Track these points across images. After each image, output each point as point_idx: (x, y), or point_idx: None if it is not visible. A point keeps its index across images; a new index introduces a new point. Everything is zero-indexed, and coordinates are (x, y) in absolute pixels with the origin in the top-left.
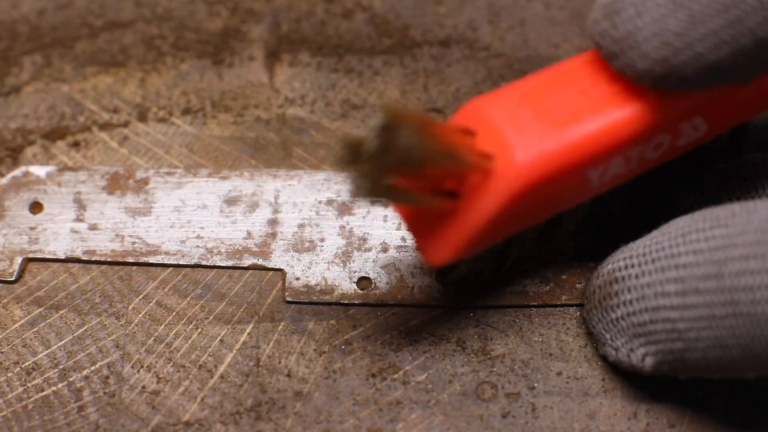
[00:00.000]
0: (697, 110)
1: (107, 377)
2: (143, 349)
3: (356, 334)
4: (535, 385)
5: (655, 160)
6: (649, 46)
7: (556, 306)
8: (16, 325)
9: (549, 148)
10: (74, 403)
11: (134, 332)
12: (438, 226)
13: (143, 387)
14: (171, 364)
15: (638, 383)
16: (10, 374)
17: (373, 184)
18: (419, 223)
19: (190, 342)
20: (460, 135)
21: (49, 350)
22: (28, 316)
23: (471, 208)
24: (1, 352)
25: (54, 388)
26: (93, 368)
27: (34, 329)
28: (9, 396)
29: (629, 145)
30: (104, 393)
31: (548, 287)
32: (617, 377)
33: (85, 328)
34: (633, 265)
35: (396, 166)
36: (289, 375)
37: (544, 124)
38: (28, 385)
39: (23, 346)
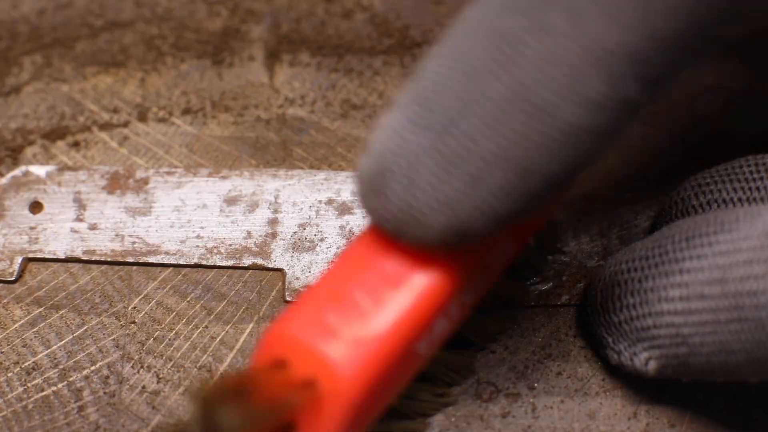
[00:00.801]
0: (494, 247)
1: (107, 377)
2: (143, 349)
3: None
4: (536, 385)
5: (475, 297)
6: (433, 218)
7: (556, 306)
8: (16, 325)
9: (367, 346)
10: (74, 403)
11: (134, 332)
12: None
13: (143, 387)
14: (171, 364)
15: (638, 384)
16: (10, 374)
17: None
18: None
19: (190, 342)
20: (274, 374)
21: (49, 350)
22: (28, 316)
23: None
24: (1, 352)
25: (54, 388)
26: (93, 368)
27: (34, 329)
28: (9, 396)
29: (445, 304)
30: (104, 393)
31: (548, 286)
32: (617, 377)
33: (85, 327)
34: (636, 269)
35: None
36: None
37: (353, 322)
38: (28, 385)
39: (23, 346)
